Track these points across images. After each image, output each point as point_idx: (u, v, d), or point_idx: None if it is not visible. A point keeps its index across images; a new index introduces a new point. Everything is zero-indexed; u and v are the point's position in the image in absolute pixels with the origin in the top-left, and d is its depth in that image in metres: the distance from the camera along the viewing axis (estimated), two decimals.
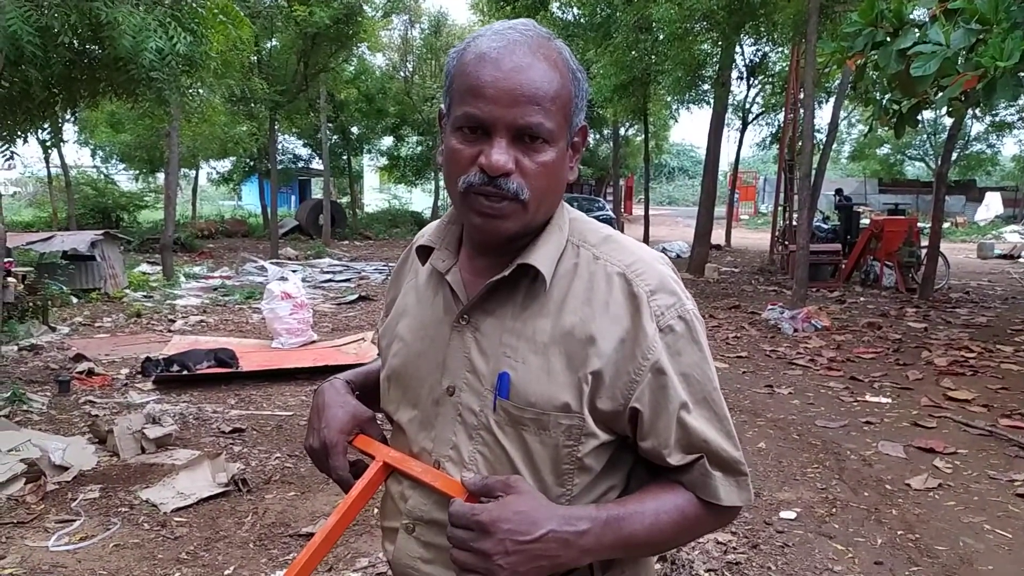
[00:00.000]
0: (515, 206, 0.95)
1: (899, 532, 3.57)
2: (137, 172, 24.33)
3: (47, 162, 19.39)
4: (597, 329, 0.97)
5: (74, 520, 3.61)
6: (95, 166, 24.85)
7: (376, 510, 3.49)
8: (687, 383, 0.98)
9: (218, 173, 29.11)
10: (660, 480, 1.02)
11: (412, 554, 1.05)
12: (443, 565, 1.01)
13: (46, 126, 6.82)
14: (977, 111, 16.59)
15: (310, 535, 3.47)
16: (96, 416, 5.08)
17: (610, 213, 21.06)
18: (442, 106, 1.02)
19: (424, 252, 1.11)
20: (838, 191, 15.20)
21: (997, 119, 25.08)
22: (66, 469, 4.09)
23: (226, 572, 3.18)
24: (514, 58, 0.93)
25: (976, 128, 26.69)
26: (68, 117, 7.33)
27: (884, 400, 5.78)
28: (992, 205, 28.68)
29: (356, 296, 11.05)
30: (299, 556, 1.04)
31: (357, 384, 1.21)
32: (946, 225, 19.50)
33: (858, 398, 5.85)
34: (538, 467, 0.99)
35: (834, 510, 3.82)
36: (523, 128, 0.93)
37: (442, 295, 1.08)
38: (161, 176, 21.55)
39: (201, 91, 7.95)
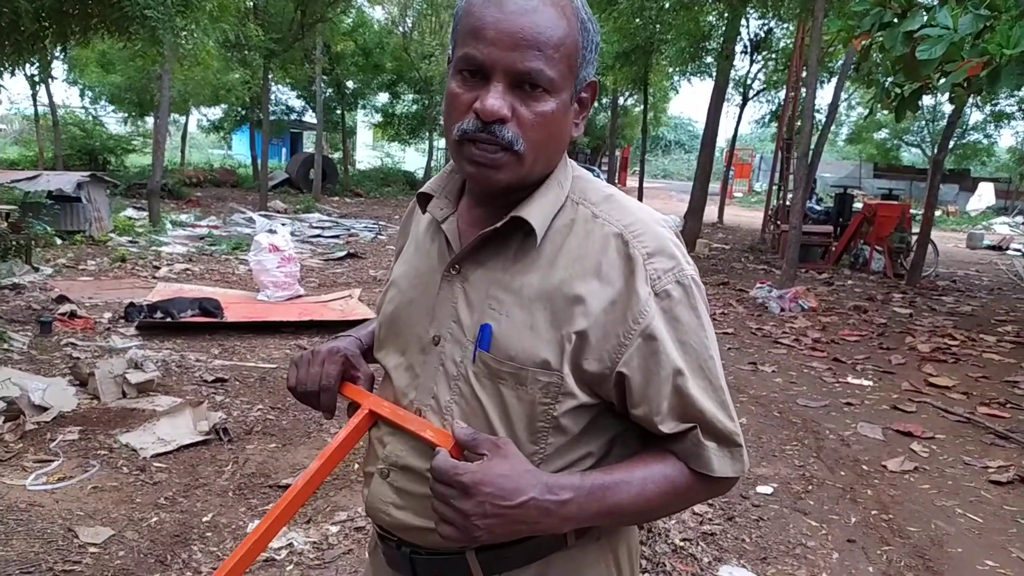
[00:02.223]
0: (509, 157, 0.92)
1: (873, 512, 3.62)
2: (126, 115, 23.88)
3: (34, 100, 19.01)
4: (586, 289, 0.94)
5: (52, 460, 3.59)
6: (83, 106, 24.38)
7: (357, 465, 3.50)
8: (683, 350, 0.95)
9: (209, 120, 28.66)
10: (651, 448, 1.00)
11: (384, 499, 1.05)
12: (413, 512, 1.01)
13: (34, 61, 6.67)
14: (978, 99, 16.54)
15: (289, 487, 3.47)
16: (78, 358, 5.04)
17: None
18: (449, 51, 0.99)
19: (424, 199, 1.09)
20: None
21: (997, 109, 25.04)
22: (46, 409, 4.06)
23: (204, 519, 3.18)
24: (519, 1, 0.90)
25: (975, 117, 26.67)
26: (57, 54, 7.18)
27: (866, 383, 5.83)
28: (985, 196, 28.77)
29: (344, 253, 10.97)
30: (280, 500, 1.04)
31: (365, 343, 1.21)
32: (938, 213, 19.56)
33: (840, 379, 5.90)
34: (512, 422, 0.97)
35: (810, 487, 3.87)
36: (522, 73, 0.90)
37: (438, 244, 1.07)
38: (150, 120, 21.19)
39: (195, 33, 7.77)
